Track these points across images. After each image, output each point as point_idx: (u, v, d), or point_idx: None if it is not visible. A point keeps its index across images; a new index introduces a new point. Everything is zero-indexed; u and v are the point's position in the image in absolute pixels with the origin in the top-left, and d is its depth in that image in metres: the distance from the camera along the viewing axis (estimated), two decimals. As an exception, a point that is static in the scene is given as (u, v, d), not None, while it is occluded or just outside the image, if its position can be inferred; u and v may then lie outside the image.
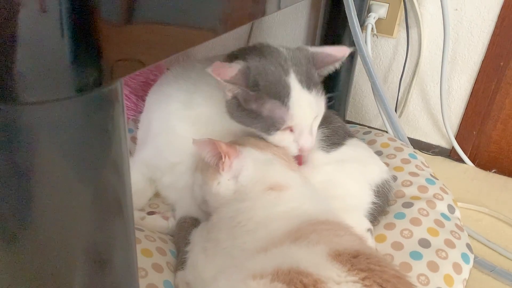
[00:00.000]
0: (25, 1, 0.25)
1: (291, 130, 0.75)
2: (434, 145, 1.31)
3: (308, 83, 0.74)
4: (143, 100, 0.92)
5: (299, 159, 0.82)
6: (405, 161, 0.98)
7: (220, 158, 0.70)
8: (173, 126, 0.81)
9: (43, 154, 0.29)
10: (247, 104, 0.73)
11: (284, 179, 0.71)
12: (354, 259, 0.52)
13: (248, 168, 0.71)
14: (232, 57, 0.76)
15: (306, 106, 0.74)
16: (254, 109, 0.72)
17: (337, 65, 0.79)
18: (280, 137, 0.75)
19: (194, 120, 0.80)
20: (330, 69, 0.80)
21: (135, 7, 0.31)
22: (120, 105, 0.33)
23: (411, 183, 0.91)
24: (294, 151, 0.77)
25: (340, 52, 0.78)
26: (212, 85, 0.77)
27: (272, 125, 0.73)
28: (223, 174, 0.70)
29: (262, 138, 0.77)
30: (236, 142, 0.76)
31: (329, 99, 0.80)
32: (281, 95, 0.72)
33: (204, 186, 0.73)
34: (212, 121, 0.79)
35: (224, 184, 0.70)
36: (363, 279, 0.49)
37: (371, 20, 1.17)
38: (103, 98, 0.31)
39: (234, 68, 0.71)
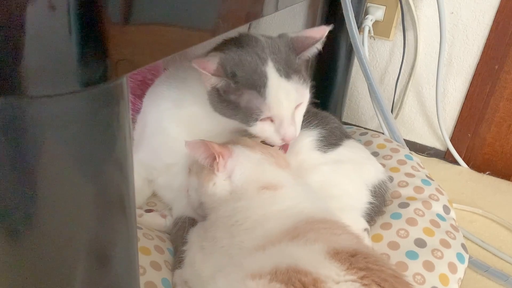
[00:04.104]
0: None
1: (272, 121, 0.74)
2: (429, 147, 1.32)
3: (286, 71, 0.73)
4: (141, 100, 0.92)
5: (285, 148, 0.81)
6: (401, 162, 0.99)
7: (214, 159, 0.70)
8: (166, 128, 0.81)
9: (49, 148, 0.30)
10: (226, 95, 0.72)
11: (276, 178, 0.71)
12: (352, 258, 0.52)
13: (242, 167, 0.71)
14: (216, 51, 0.75)
15: (283, 95, 0.72)
16: (233, 100, 0.72)
17: (319, 46, 0.77)
18: (260, 128, 0.74)
19: (186, 120, 0.80)
20: (311, 51, 0.77)
21: (139, 6, 0.32)
22: (125, 102, 0.33)
23: (407, 183, 0.92)
24: (276, 141, 0.75)
25: (318, 32, 0.76)
26: (201, 82, 0.77)
27: (251, 116, 0.72)
28: (218, 174, 0.70)
29: (248, 134, 0.77)
30: (228, 142, 0.77)
31: (313, 87, 0.79)
32: (258, 85, 0.71)
33: (200, 189, 0.73)
34: (204, 120, 0.79)
35: (220, 184, 0.70)
36: (362, 278, 0.49)
37: (368, 22, 1.18)
38: (108, 93, 0.31)
39: (213, 61, 0.70)
